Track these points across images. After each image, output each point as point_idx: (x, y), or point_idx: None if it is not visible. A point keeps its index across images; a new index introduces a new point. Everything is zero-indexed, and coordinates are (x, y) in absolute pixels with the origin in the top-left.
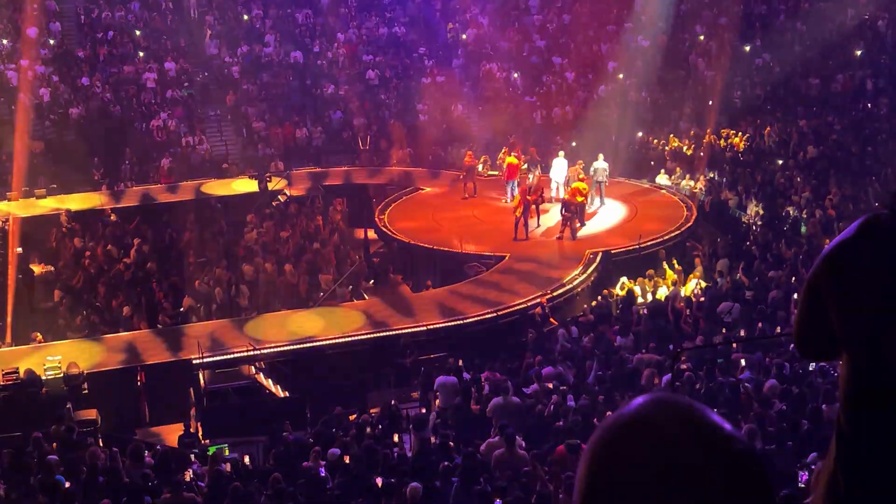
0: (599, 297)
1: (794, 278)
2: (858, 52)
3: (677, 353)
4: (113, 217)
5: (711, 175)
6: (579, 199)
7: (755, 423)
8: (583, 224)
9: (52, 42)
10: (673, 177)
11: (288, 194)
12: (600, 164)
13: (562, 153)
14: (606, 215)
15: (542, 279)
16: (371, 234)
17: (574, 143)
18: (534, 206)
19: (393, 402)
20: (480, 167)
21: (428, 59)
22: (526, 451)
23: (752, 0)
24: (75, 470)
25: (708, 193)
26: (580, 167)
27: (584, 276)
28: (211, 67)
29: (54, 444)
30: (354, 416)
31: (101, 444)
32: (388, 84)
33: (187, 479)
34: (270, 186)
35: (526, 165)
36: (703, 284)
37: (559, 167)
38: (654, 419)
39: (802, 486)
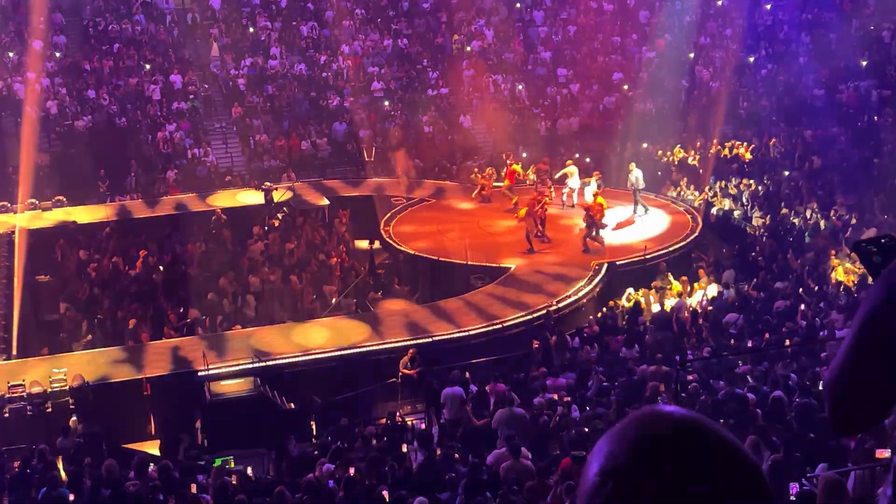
0: (605, 309)
1: (800, 289)
2: (864, 63)
3: (683, 364)
4: (109, 230)
5: (718, 185)
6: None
7: (760, 434)
8: (597, 241)
9: (58, 55)
10: (679, 188)
11: (293, 206)
12: (635, 172)
13: (569, 162)
14: (617, 226)
15: (548, 290)
16: (377, 245)
17: (577, 155)
18: (538, 218)
19: (398, 413)
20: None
21: (433, 72)
22: (532, 462)
23: (756, 11)
24: (80, 483)
25: (727, 202)
26: (597, 178)
27: (590, 287)
28: (216, 80)
29: (59, 457)
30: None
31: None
32: (393, 96)
33: (193, 491)
34: (276, 198)
35: (534, 176)
36: (710, 295)
37: (572, 176)
38: (655, 432)
39: (794, 498)
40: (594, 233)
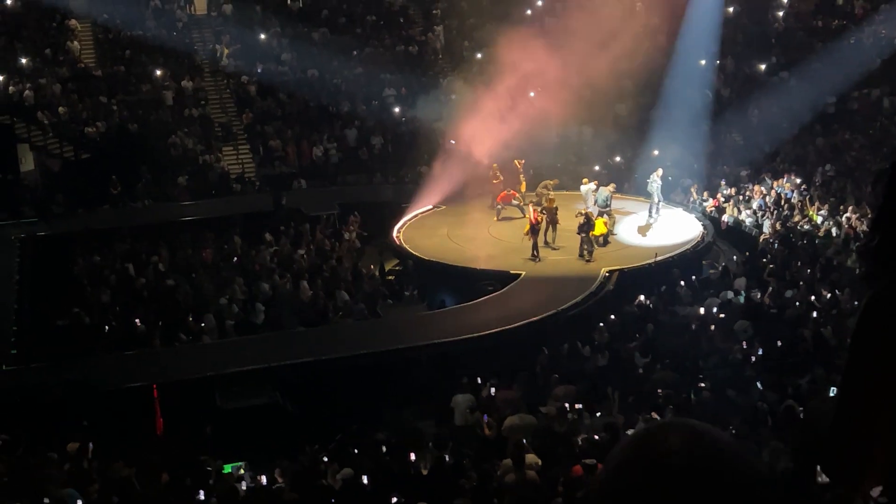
0: (614, 316)
1: (812, 296)
2: (875, 70)
3: (695, 371)
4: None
5: (729, 193)
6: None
7: (774, 442)
8: (588, 250)
9: (70, 60)
10: (689, 194)
11: (304, 212)
12: (653, 177)
13: (585, 180)
14: (628, 232)
15: (558, 297)
16: (387, 251)
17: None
18: (546, 225)
19: (408, 419)
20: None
21: (443, 78)
22: (541, 470)
23: (767, 18)
24: (89, 487)
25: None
26: (612, 189)
27: (600, 293)
28: (228, 86)
29: (69, 462)
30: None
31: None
32: (404, 101)
33: (201, 497)
34: (286, 204)
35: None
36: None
37: (587, 192)
38: (668, 444)
39: None
40: (587, 242)
